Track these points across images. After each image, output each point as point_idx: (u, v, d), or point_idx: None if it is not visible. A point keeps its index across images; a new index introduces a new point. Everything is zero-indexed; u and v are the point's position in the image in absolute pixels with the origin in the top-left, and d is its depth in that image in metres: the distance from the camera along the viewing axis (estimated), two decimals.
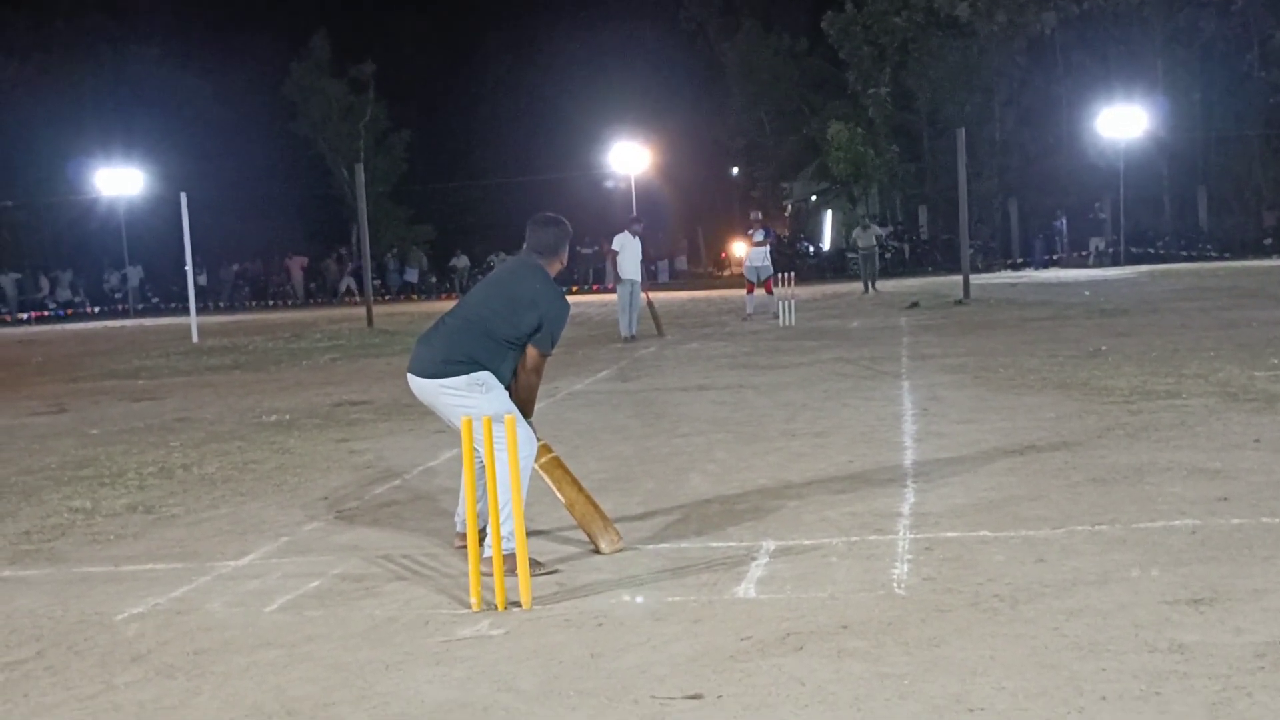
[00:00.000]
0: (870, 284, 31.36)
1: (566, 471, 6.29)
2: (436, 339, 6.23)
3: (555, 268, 6.41)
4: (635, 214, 22.93)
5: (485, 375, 6.08)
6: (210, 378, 17.23)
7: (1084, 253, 43.00)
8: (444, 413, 6.20)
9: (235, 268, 49.72)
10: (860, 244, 32.51)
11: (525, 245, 6.43)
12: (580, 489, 6.29)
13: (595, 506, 6.30)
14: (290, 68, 51.88)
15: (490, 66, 57.25)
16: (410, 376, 6.25)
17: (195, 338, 24.88)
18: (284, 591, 5.87)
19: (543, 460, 6.19)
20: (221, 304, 45.51)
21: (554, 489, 6.28)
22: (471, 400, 6.00)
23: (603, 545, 6.22)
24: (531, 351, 6.18)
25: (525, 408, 6.24)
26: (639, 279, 20.09)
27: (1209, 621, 4.69)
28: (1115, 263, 40.63)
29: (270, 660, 4.89)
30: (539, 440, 6.19)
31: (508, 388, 6.18)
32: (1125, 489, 6.99)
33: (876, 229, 33.10)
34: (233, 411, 13.06)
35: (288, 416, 12.26)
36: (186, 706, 4.47)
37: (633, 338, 19.74)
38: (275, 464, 9.54)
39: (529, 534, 5.99)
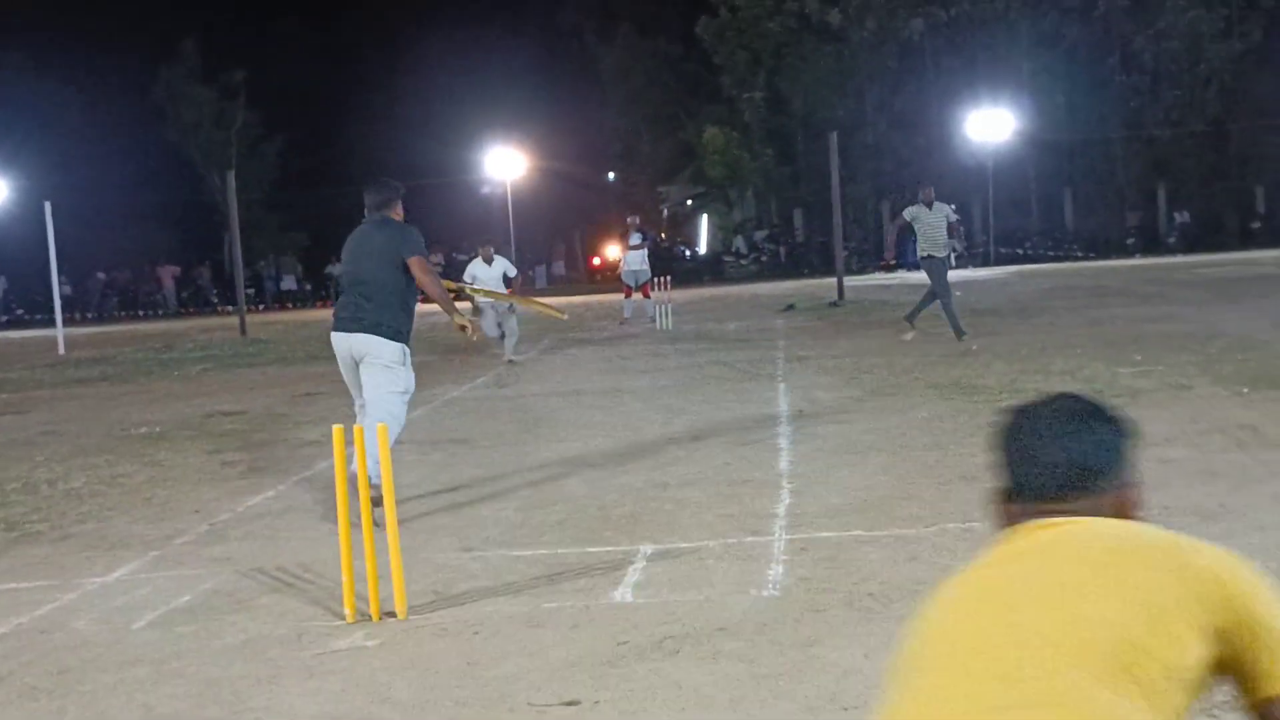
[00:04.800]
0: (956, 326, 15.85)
1: None
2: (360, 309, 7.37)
3: (398, 215, 7.68)
4: (489, 234, 21.35)
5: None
6: (77, 390, 16.83)
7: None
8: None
9: (103, 276, 48.68)
10: (923, 228, 16.24)
11: (367, 209, 7.69)
12: None
13: None
14: (159, 73, 50.98)
15: (365, 72, 56.61)
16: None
17: (62, 349, 24.29)
18: (153, 607, 5.75)
19: None
20: (89, 314, 44.52)
21: None
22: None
23: None
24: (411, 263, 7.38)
25: (448, 306, 7.75)
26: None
27: None
28: (985, 263, 41.35)
29: (138, 678, 4.79)
30: None
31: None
32: None
33: (948, 210, 16.54)
34: (101, 424, 12.77)
35: (158, 429, 12.02)
36: None
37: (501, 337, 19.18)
38: (145, 477, 9.35)
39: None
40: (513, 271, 17.84)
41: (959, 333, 15.59)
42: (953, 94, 44.93)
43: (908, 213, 16.37)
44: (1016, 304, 21.76)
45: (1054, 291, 24.89)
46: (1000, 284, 29.03)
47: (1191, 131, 44.57)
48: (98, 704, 4.55)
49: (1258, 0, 44.34)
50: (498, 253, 17.91)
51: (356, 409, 7.58)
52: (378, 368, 7.27)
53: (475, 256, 18.18)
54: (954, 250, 17.15)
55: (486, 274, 17.36)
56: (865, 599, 5.15)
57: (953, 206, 16.88)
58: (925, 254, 16.20)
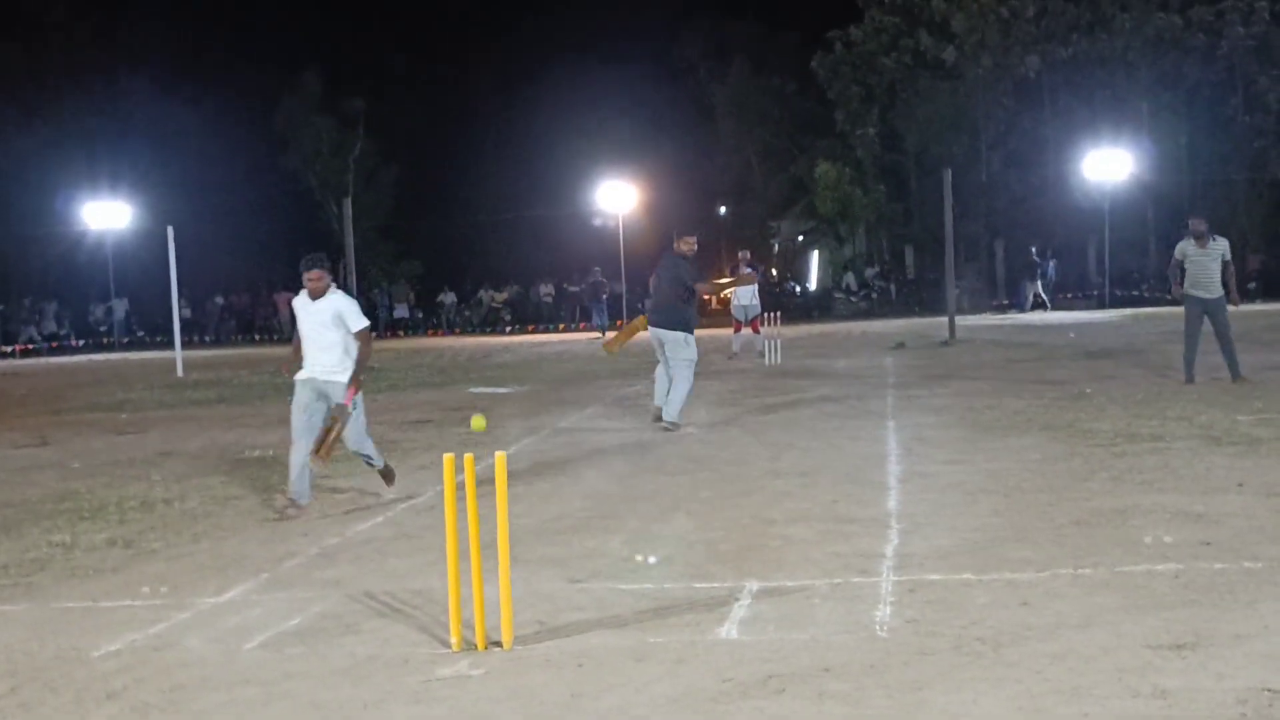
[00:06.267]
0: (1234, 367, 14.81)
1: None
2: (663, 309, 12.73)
3: (684, 251, 12.86)
4: (313, 253, 12.93)
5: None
6: (194, 412, 17.16)
7: (1021, 299, 42.17)
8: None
9: (221, 300, 49.63)
10: (1191, 265, 14.81)
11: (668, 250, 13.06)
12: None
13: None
14: (280, 102, 51.95)
15: (479, 104, 57.33)
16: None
17: (180, 371, 24.80)
18: (264, 628, 5.83)
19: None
20: (207, 338, 45.39)
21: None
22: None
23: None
24: (699, 288, 13.09)
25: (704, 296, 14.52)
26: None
27: (1191, 666, 4.67)
28: (1100, 305, 40.68)
29: (248, 698, 4.85)
30: None
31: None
32: (1109, 532, 6.98)
33: (1224, 246, 14.91)
34: (216, 446, 13.01)
35: (271, 452, 12.19)
36: None
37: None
38: (258, 499, 9.49)
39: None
40: (360, 322, 9.11)
41: (1191, 378, 14.60)
42: (1069, 133, 44.34)
43: (1178, 250, 14.87)
44: (1132, 347, 21.41)
45: (1171, 335, 24.31)
46: (1115, 327, 28.55)
47: None
48: None
49: None
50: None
51: (659, 370, 12.86)
52: (676, 348, 12.50)
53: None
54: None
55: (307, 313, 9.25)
56: (974, 643, 5.07)
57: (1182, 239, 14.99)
58: (1187, 293, 14.71)
